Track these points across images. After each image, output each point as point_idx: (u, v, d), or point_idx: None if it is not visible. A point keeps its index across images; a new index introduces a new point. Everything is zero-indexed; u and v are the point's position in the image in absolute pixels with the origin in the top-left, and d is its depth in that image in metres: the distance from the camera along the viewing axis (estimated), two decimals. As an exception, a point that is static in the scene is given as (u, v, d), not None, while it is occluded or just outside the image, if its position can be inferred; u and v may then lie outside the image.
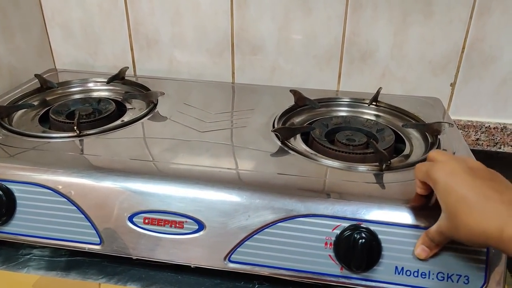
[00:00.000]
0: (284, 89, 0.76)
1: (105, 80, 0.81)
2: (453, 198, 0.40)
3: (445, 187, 0.41)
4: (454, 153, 0.58)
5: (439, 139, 0.61)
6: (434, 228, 0.43)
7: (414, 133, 0.66)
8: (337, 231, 0.46)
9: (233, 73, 0.89)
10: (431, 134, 0.63)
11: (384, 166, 0.54)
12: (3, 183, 0.51)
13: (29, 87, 0.77)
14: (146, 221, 0.49)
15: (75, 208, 0.49)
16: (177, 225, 0.48)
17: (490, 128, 0.82)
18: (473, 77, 0.81)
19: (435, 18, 0.77)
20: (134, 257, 0.50)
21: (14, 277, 0.51)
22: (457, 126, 0.81)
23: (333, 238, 0.46)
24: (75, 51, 0.93)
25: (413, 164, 0.55)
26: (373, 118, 0.72)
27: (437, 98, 0.78)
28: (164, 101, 0.72)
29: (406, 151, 0.62)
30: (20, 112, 0.69)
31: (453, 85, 0.82)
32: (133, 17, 0.87)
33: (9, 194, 0.50)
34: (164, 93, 0.72)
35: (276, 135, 0.61)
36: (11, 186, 0.51)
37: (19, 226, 0.51)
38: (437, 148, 0.59)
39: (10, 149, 0.56)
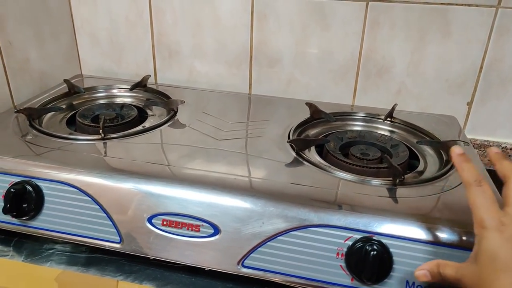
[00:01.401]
0: (299, 102, 0.78)
1: (128, 87, 0.84)
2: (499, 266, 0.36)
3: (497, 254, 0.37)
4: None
5: (453, 157, 0.61)
6: (452, 269, 0.40)
7: (428, 150, 0.67)
8: (349, 242, 0.47)
9: (250, 84, 0.91)
10: (446, 152, 0.63)
11: (397, 181, 0.54)
12: (33, 180, 0.53)
13: (58, 91, 0.81)
14: (165, 223, 0.51)
15: (98, 207, 0.52)
16: (194, 228, 0.50)
17: (507, 149, 0.82)
18: (491, 96, 0.81)
19: (453, 38, 0.78)
20: (151, 257, 0.52)
21: (37, 270, 0.53)
22: (473, 146, 0.81)
23: (345, 249, 0.47)
24: (101, 59, 0.96)
25: (427, 181, 0.56)
26: (387, 133, 0.73)
27: (452, 116, 0.78)
28: (183, 109, 0.75)
29: (420, 168, 0.63)
30: (49, 114, 0.73)
31: (469, 104, 0.83)
32: (156, 28, 0.90)
33: (38, 190, 0.53)
34: (184, 102, 0.75)
35: (291, 146, 0.62)
36: (40, 183, 0.53)
37: (44, 222, 0.54)
38: (451, 166, 0.59)
39: (39, 148, 0.59)
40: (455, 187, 0.55)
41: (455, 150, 0.44)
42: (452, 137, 0.68)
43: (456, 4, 0.76)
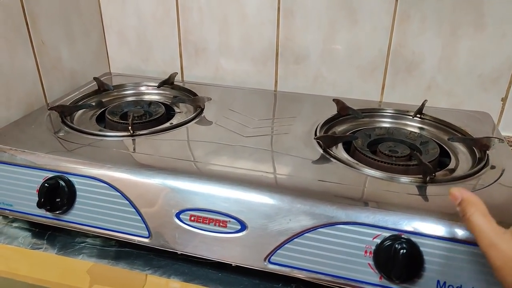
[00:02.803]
0: (326, 98, 0.77)
1: (156, 84, 0.85)
2: None
3: None
4: (503, 170, 0.56)
5: (487, 154, 0.59)
6: (483, 227, 0.38)
7: (460, 148, 0.65)
8: (378, 240, 0.46)
9: (276, 81, 0.91)
10: (479, 149, 0.61)
11: (428, 179, 0.53)
12: (66, 175, 0.55)
13: (88, 89, 0.83)
14: (192, 218, 0.51)
15: (127, 202, 0.53)
16: (221, 224, 0.50)
17: (542, 146, 0.79)
18: (527, 92, 0.78)
19: (487, 31, 0.75)
20: (179, 252, 0.53)
21: (70, 262, 0.55)
22: (508, 143, 0.78)
23: (373, 247, 0.46)
24: (129, 57, 0.98)
25: (459, 178, 0.54)
26: (417, 130, 0.71)
27: (486, 112, 0.76)
28: (210, 106, 0.75)
29: (451, 165, 0.61)
30: (80, 111, 0.75)
31: (504, 100, 0.80)
32: (183, 26, 0.91)
33: (70, 186, 0.55)
34: (210, 99, 0.75)
35: (318, 142, 0.62)
36: (72, 179, 0.55)
37: (76, 216, 0.56)
38: (485, 163, 0.58)
39: (71, 144, 0.61)
40: (489, 185, 0.53)
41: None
42: (486, 134, 0.65)
43: (492, -4, 0.73)
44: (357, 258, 0.47)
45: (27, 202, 0.57)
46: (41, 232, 0.60)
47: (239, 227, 0.50)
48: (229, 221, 0.50)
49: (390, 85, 0.84)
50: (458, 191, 0.41)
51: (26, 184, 0.57)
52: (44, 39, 0.78)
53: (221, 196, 0.51)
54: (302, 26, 0.84)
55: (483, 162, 0.58)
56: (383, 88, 0.85)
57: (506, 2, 0.73)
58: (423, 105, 0.73)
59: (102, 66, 0.98)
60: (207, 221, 0.51)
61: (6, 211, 0.59)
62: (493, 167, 0.57)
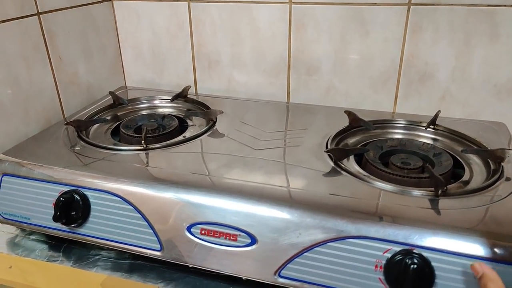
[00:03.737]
0: (338, 110, 0.77)
1: (170, 97, 0.87)
2: None
3: None
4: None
5: (502, 166, 0.58)
6: None
7: (474, 159, 0.64)
8: (388, 255, 0.46)
9: (288, 93, 0.92)
10: (494, 161, 0.60)
11: (440, 192, 0.52)
12: (81, 189, 0.57)
13: (103, 103, 0.85)
14: (203, 232, 0.52)
15: (140, 216, 0.54)
16: (231, 237, 0.51)
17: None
18: (544, 102, 0.76)
19: (502, 40, 0.74)
20: (190, 265, 0.53)
21: (85, 275, 0.56)
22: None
23: (384, 262, 0.46)
24: (144, 70, 1.00)
25: (473, 191, 0.53)
26: (430, 141, 0.70)
27: (502, 123, 0.74)
28: (222, 119, 0.76)
29: (465, 177, 0.60)
30: (95, 125, 0.77)
31: (520, 109, 0.78)
32: (196, 39, 0.93)
33: (85, 199, 0.56)
34: (223, 112, 0.76)
35: (329, 155, 0.62)
36: (87, 193, 0.56)
37: (91, 229, 0.57)
38: (499, 175, 0.57)
39: (86, 159, 0.62)
40: (504, 198, 0.52)
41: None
42: (501, 145, 0.64)
43: (505, 6, 0.72)
44: (368, 273, 0.47)
45: (44, 216, 0.59)
46: (58, 245, 0.62)
47: (249, 240, 0.50)
48: (239, 234, 0.50)
49: (403, 95, 0.84)
50: (480, 266, 0.43)
51: (42, 198, 0.59)
52: (61, 55, 0.81)
53: (232, 210, 0.51)
54: (314, 38, 0.84)
55: (498, 174, 0.57)
56: (396, 99, 0.85)
57: (519, 11, 0.72)
58: (436, 115, 0.72)
59: (118, 80, 1.01)
60: (217, 235, 0.51)
61: (24, 224, 0.61)
62: (508, 179, 0.56)
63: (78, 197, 0.56)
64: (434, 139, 0.71)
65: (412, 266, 0.44)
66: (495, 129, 0.72)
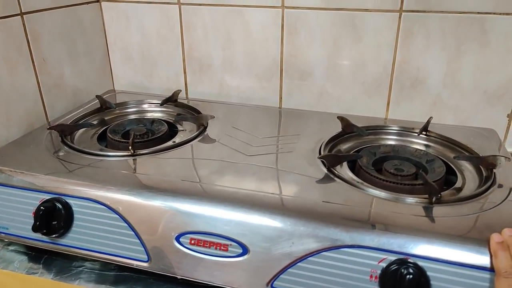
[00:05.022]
0: (331, 115, 0.77)
1: (159, 102, 0.85)
2: None
3: None
4: (511, 189, 0.55)
5: (494, 173, 0.58)
6: None
7: (466, 166, 0.64)
8: (383, 264, 0.45)
9: (280, 97, 0.90)
10: (486, 167, 0.60)
11: (434, 199, 0.52)
12: (63, 197, 0.54)
13: (90, 107, 0.83)
14: (192, 242, 0.50)
15: (126, 225, 0.52)
16: (222, 247, 0.49)
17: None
18: (534, 108, 0.77)
19: (491, 47, 0.75)
20: (179, 277, 0.51)
21: (67, 288, 0.54)
22: (515, 159, 0.76)
23: (379, 271, 0.45)
24: (132, 74, 0.98)
25: (466, 199, 0.53)
26: (422, 148, 0.70)
27: (492, 129, 0.75)
28: (213, 124, 0.75)
29: (458, 184, 0.60)
30: (81, 130, 0.75)
31: (510, 116, 0.78)
32: (187, 43, 0.91)
33: (67, 208, 0.54)
34: (214, 117, 0.74)
35: (322, 162, 0.61)
36: (70, 201, 0.54)
37: (74, 239, 0.55)
38: (492, 182, 0.56)
39: (70, 165, 0.60)
40: (497, 205, 0.52)
41: (495, 238, 0.44)
42: (492, 152, 0.64)
43: (494, 13, 0.72)
44: (363, 283, 0.46)
45: (23, 225, 0.56)
46: (38, 256, 0.59)
47: (240, 250, 0.49)
48: (230, 244, 0.49)
49: (395, 101, 0.83)
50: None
51: (22, 206, 0.56)
52: (45, 57, 0.79)
53: (222, 219, 0.50)
54: (307, 42, 0.84)
55: (490, 181, 0.57)
56: (388, 104, 0.84)
57: (509, 18, 0.72)
58: (428, 121, 0.72)
59: (106, 83, 0.98)
60: (207, 245, 0.49)
61: (2, 234, 0.58)
62: (500, 186, 0.56)
63: (60, 206, 0.53)
64: (426, 145, 0.71)
65: (408, 276, 0.43)
66: (486, 135, 0.73)
